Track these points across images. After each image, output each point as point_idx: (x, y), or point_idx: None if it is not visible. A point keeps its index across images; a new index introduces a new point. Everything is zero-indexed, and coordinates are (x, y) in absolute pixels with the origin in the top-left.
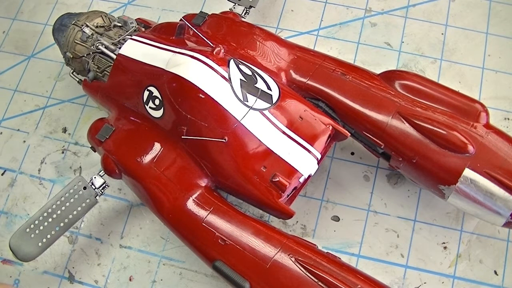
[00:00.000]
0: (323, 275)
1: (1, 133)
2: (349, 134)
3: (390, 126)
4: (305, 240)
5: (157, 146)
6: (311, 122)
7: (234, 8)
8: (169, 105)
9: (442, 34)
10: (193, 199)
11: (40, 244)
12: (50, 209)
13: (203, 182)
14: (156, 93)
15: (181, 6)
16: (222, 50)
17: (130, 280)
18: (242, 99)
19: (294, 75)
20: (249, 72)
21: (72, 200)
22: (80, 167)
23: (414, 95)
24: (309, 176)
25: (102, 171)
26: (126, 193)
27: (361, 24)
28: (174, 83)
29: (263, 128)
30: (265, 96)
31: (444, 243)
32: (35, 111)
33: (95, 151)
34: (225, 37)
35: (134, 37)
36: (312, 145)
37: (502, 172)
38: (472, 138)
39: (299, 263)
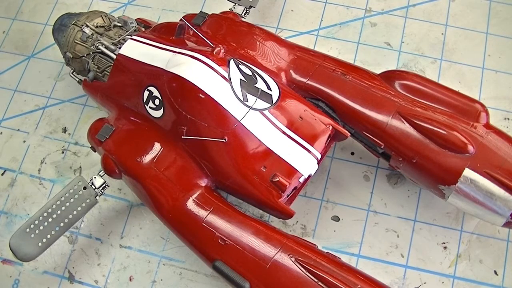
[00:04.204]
0: (323, 275)
1: (1, 133)
2: (349, 134)
3: (390, 126)
4: (305, 240)
5: (157, 146)
6: (311, 122)
7: (234, 8)
8: (169, 105)
9: (442, 34)
10: (193, 199)
11: (40, 244)
12: (50, 209)
13: (203, 182)
14: (156, 93)
15: (181, 6)
16: (222, 50)
17: (130, 280)
18: (242, 99)
19: (294, 75)
20: (249, 72)
21: (72, 200)
22: (80, 167)
23: (414, 95)
24: (309, 176)
25: (102, 171)
26: (126, 193)
27: (361, 24)
28: (174, 83)
29: (263, 128)
30: (265, 96)
31: (444, 243)
32: (35, 111)
33: (95, 151)
34: (225, 37)
35: (134, 37)
36: (312, 145)
37: (502, 172)
38: (472, 138)
39: (299, 263)
